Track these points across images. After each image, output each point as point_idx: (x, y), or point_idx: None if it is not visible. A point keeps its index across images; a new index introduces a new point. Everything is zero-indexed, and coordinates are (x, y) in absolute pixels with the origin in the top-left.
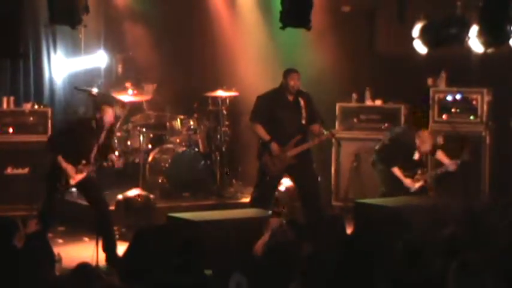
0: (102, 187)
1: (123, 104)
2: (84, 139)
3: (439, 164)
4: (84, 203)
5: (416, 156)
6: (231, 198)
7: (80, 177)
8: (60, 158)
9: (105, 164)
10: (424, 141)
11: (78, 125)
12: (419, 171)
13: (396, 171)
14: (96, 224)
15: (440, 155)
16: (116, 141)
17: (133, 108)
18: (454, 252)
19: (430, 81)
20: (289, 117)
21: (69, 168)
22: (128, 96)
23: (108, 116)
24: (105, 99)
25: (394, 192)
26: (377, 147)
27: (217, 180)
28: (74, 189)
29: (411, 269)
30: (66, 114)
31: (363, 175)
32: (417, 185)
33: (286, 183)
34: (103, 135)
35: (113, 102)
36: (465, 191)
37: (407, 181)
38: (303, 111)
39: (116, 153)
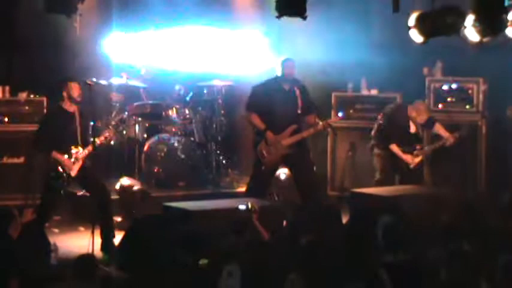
0: (100, 176)
1: (121, 92)
2: (64, 125)
3: (437, 138)
4: (80, 192)
5: (412, 129)
6: (227, 188)
7: (77, 166)
8: (54, 154)
9: (98, 142)
10: (420, 112)
11: (52, 113)
12: (417, 147)
13: (394, 148)
14: (93, 212)
15: (438, 128)
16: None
17: (131, 96)
18: (448, 240)
19: (425, 70)
20: (284, 107)
21: (65, 160)
22: (125, 82)
23: (74, 91)
24: (64, 80)
25: (390, 178)
26: (373, 131)
27: (213, 169)
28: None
29: (405, 256)
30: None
31: (358, 164)
32: (416, 160)
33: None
34: (78, 120)
35: (74, 77)
36: (461, 179)
37: (406, 157)
38: (299, 100)
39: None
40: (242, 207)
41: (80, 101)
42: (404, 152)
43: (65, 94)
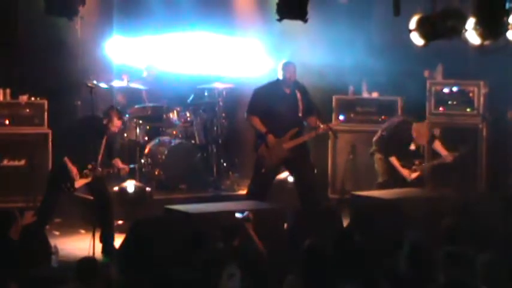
0: (106, 179)
1: (123, 94)
2: (91, 140)
3: (436, 155)
4: (81, 195)
5: (412, 146)
6: (228, 191)
7: (84, 181)
8: (66, 160)
9: (110, 171)
10: (420, 134)
11: (86, 125)
12: (416, 162)
13: (394, 160)
14: (94, 215)
15: (437, 146)
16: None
17: (133, 98)
18: (448, 242)
19: (426, 73)
20: (285, 110)
21: (74, 171)
22: (126, 85)
23: (114, 125)
24: (112, 108)
25: (392, 182)
26: (375, 138)
27: (214, 172)
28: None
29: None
30: (64, 107)
31: (359, 167)
32: (414, 175)
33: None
34: (106, 138)
35: (120, 112)
36: (461, 182)
37: (404, 171)
38: (300, 103)
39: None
40: (239, 215)
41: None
42: (403, 166)
43: (106, 121)
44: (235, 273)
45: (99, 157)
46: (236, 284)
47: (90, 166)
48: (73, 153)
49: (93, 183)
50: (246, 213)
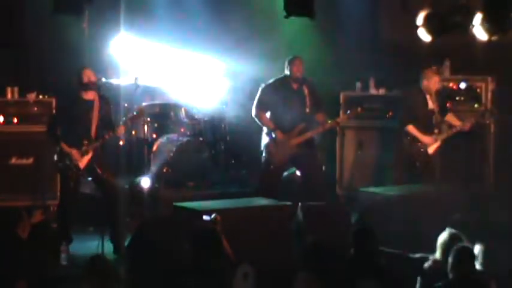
0: (113, 170)
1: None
2: (77, 116)
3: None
4: (90, 192)
5: (430, 104)
6: (236, 188)
7: (86, 159)
8: (63, 145)
9: (106, 136)
10: (430, 77)
11: (67, 104)
12: (435, 131)
13: (412, 129)
14: (104, 213)
15: (450, 118)
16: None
17: (141, 95)
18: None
19: (434, 69)
20: (293, 106)
21: (73, 152)
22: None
23: (87, 76)
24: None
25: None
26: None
27: (222, 169)
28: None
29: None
30: None
31: (366, 163)
32: (435, 145)
33: None
34: (97, 108)
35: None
36: (469, 178)
37: (425, 138)
38: (307, 99)
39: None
40: (206, 218)
41: (98, 87)
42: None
43: (84, 79)
44: (250, 272)
45: (92, 132)
46: (251, 283)
47: (85, 142)
48: (65, 137)
49: (97, 174)
50: (213, 215)
